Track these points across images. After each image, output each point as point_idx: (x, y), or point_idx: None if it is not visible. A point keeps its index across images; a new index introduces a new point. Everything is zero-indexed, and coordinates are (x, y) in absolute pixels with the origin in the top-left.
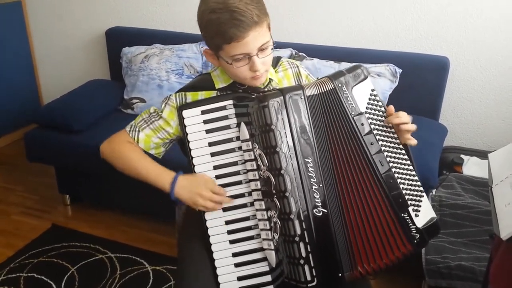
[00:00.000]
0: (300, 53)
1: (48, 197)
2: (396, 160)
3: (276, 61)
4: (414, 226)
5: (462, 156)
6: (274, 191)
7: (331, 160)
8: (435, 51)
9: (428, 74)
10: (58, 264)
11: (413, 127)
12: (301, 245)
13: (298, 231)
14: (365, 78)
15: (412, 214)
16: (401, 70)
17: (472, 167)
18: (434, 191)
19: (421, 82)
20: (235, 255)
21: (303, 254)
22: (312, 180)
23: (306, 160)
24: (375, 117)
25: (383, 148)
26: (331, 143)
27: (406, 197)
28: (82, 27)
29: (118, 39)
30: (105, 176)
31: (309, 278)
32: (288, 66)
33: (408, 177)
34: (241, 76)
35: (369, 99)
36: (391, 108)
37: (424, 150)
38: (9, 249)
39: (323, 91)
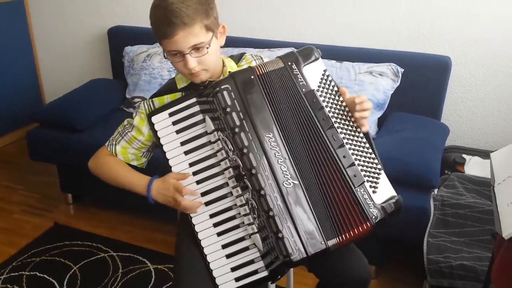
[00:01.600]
0: None
1: (50, 195)
2: (351, 137)
3: (239, 57)
4: (372, 202)
5: (464, 155)
6: (243, 172)
7: (290, 135)
8: (437, 50)
9: (430, 73)
10: (60, 262)
11: (369, 113)
12: (277, 219)
13: (271, 205)
14: (317, 59)
15: (370, 190)
16: (403, 70)
17: (474, 167)
18: (436, 190)
19: (423, 82)
20: (224, 246)
21: (280, 227)
22: (276, 154)
23: (267, 136)
24: (328, 95)
25: (336, 124)
26: (287, 118)
27: (362, 173)
28: (84, 26)
29: (120, 38)
30: None
31: (290, 251)
32: (251, 59)
33: (364, 154)
34: (181, 72)
35: (321, 78)
36: (343, 89)
37: (426, 149)
38: (12, 247)
39: (273, 69)
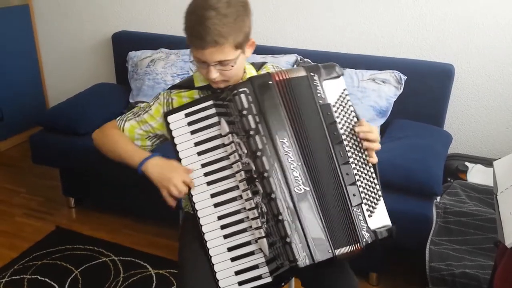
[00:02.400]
0: (305, 59)
1: (52, 199)
2: (358, 158)
3: (260, 65)
4: (365, 224)
5: (466, 163)
6: (255, 175)
7: (304, 142)
8: (440, 58)
9: (433, 81)
10: (61, 266)
11: (376, 146)
12: (285, 223)
13: (281, 209)
14: (338, 76)
15: (366, 213)
16: (406, 77)
17: (476, 175)
18: (438, 198)
19: (426, 89)
20: (230, 249)
21: (288, 232)
22: (289, 159)
23: (281, 140)
24: (342, 112)
25: (345, 142)
26: (302, 126)
27: (362, 195)
28: (89, 31)
29: (124, 43)
30: (110, 179)
31: (297, 256)
32: (272, 69)
33: (367, 177)
34: (203, 75)
35: (340, 96)
36: (363, 120)
37: (428, 157)
38: (13, 251)
39: (293, 76)
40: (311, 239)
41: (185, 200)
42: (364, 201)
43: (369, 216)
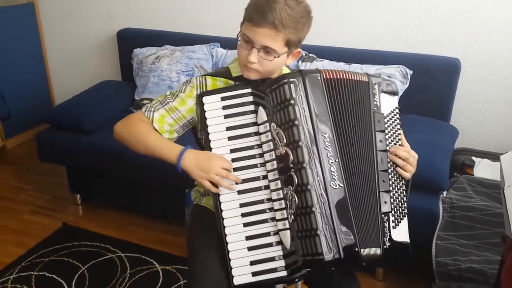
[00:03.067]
0: (311, 54)
1: (59, 196)
2: (394, 172)
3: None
4: (389, 234)
5: (473, 158)
6: (291, 165)
7: (344, 141)
8: (446, 52)
9: (439, 75)
10: (69, 263)
11: (405, 174)
12: (318, 216)
13: (315, 202)
14: (395, 93)
15: (391, 223)
16: (412, 72)
17: (483, 169)
18: (445, 193)
19: (432, 84)
20: (248, 238)
21: (320, 225)
22: (328, 154)
23: (323, 135)
24: (389, 127)
25: (388, 154)
26: (347, 126)
27: (391, 206)
28: (94, 28)
29: (129, 41)
30: (116, 176)
31: (325, 249)
32: None
33: (398, 192)
34: (240, 56)
35: (391, 111)
36: (407, 145)
37: (435, 152)
38: (21, 248)
39: (355, 79)
40: (341, 235)
41: (194, 193)
42: (392, 212)
43: (393, 227)
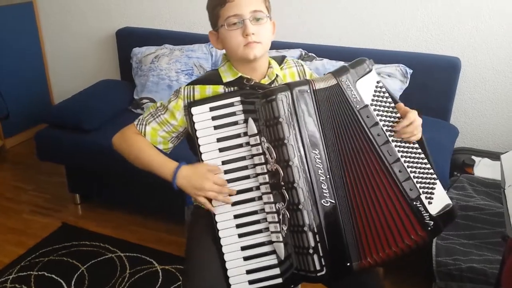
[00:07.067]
0: (310, 54)
1: (58, 196)
2: (406, 149)
3: (281, 59)
4: (428, 214)
5: (473, 157)
6: (282, 183)
7: (338, 152)
8: (446, 51)
9: (439, 74)
10: (68, 262)
11: (415, 138)
12: (310, 234)
13: (307, 221)
14: (369, 71)
15: (425, 201)
16: (411, 71)
17: (483, 169)
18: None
19: (432, 83)
20: (243, 248)
21: (312, 244)
22: (319, 171)
23: (313, 152)
24: (382, 108)
25: (391, 138)
26: (338, 136)
27: (418, 185)
28: (93, 27)
29: (129, 40)
30: (115, 176)
31: (318, 267)
32: (293, 64)
33: (419, 165)
34: (235, 44)
35: (375, 91)
36: (400, 104)
37: (434, 151)
38: (20, 247)
39: (327, 86)
40: (333, 251)
41: None
42: (422, 190)
43: (429, 203)
